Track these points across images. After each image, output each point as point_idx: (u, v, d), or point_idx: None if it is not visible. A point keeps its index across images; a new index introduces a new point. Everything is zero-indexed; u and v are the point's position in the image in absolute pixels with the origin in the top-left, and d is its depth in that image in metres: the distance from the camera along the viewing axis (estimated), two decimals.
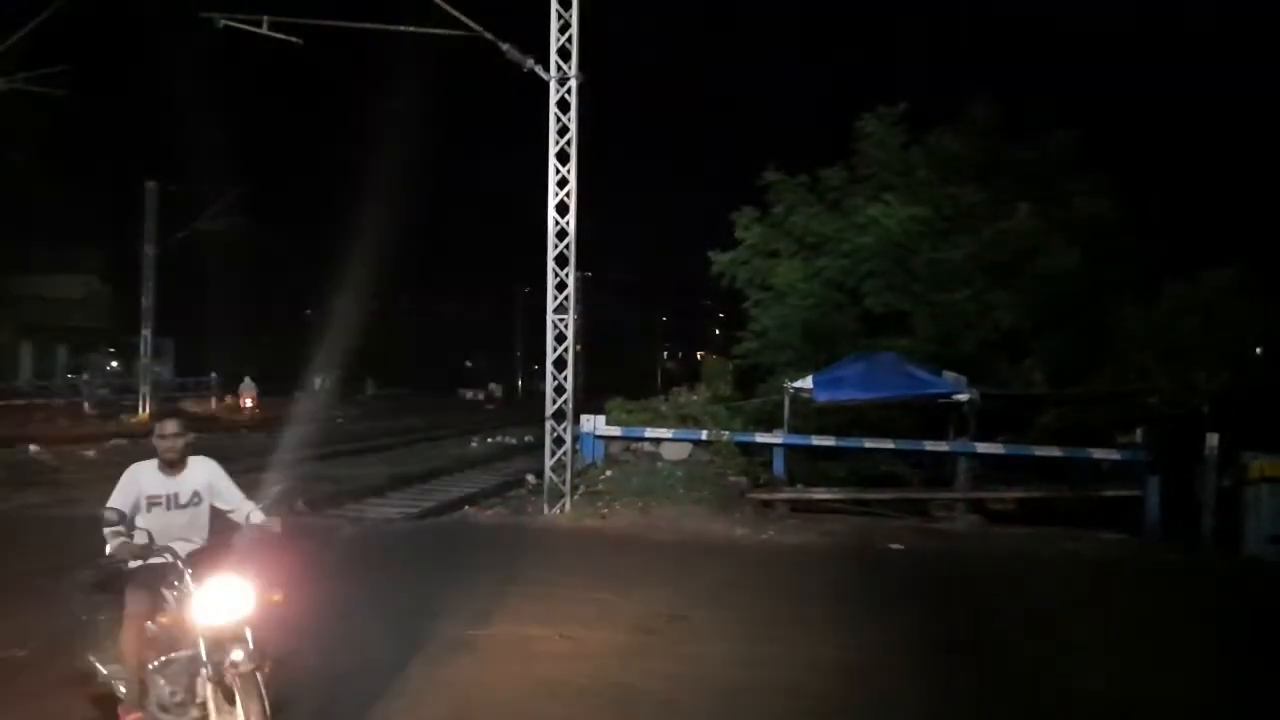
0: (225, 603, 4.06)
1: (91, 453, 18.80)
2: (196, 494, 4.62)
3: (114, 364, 41.25)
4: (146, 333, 29.52)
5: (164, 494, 4.56)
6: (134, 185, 29.31)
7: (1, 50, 14.72)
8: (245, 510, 4.59)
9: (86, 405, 30.39)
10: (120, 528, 4.28)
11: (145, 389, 29.47)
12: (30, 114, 22.74)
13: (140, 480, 4.56)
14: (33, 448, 18.32)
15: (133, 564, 4.34)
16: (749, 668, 6.08)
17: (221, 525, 4.71)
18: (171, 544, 4.36)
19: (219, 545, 4.53)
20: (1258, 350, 14.03)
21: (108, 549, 4.32)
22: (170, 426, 4.62)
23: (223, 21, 12.92)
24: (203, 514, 4.65)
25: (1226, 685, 6.05)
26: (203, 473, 4.68)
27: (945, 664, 6.26)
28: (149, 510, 4.52)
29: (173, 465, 4.60)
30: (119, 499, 4.46)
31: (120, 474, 4.58)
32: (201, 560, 4.34)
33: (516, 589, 7.76)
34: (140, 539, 4.28)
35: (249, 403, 32.05)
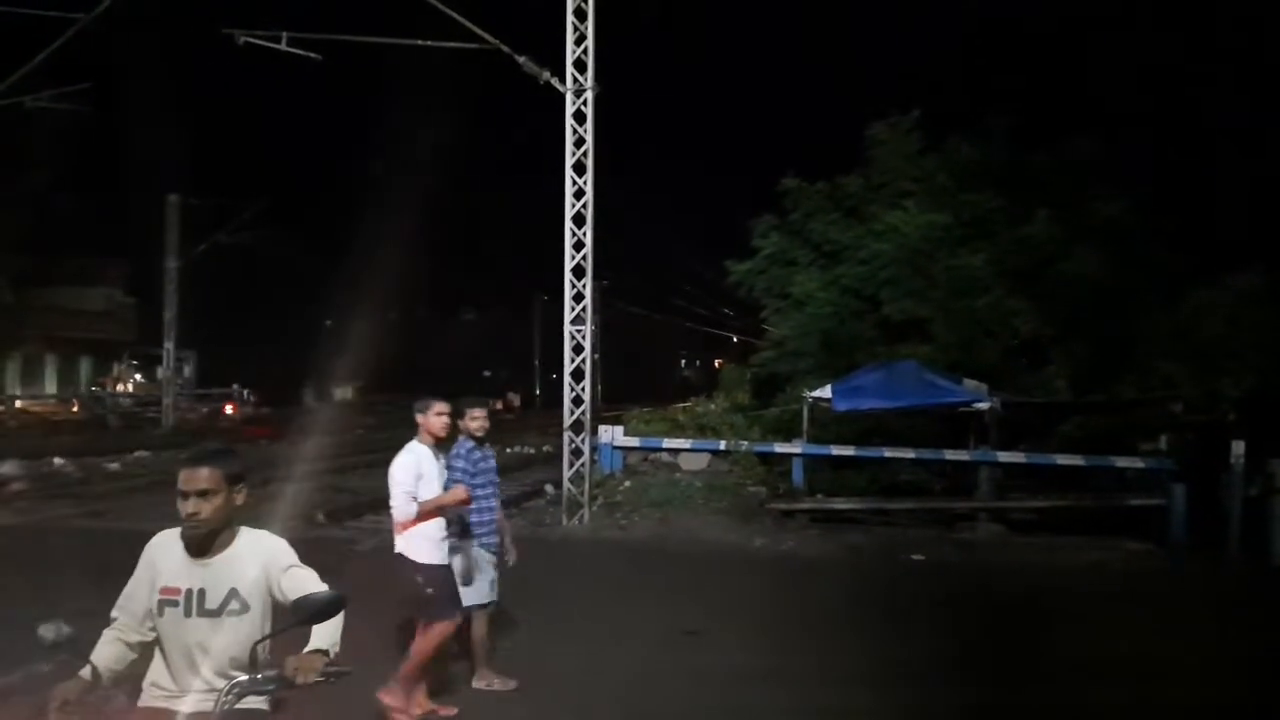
0: None
1: (115, 465, 18.98)
2: (235, 593, 2.67)
3: (137, 376, 41.67)
4: (169, 345, 29.85)
5: (182, 589, 2.68)
6: (157, 199, 29.69)
7: (27, 70, 14.97)
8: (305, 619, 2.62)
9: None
10: (99, 644, 2.70)
11: (168, 401, 29.81)
12: (55, 130, 23.10)
13: (156, 562, 2.73)
14: (57, 460, 18.51)
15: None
16: (769, 684, 6.02)
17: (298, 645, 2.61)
18: (187, 674, 2.66)
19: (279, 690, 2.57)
20: None
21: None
22: (199, 478, 2.63)
23: (243, 38, 13.07)
24: (245, 629, 2.68)
25: (1263, 700, 5.94)
26: (253, 559, 2.71)
27: (971, 680, 6.18)
28: (161, 613, 2.69)
29: (201, 544, 2.69)
30: (128, 591, 2.77)
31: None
32: None
33: (534, 604, 7.73)
34: (83, 673, 2.60)
35: (230, 410, 34.64)
